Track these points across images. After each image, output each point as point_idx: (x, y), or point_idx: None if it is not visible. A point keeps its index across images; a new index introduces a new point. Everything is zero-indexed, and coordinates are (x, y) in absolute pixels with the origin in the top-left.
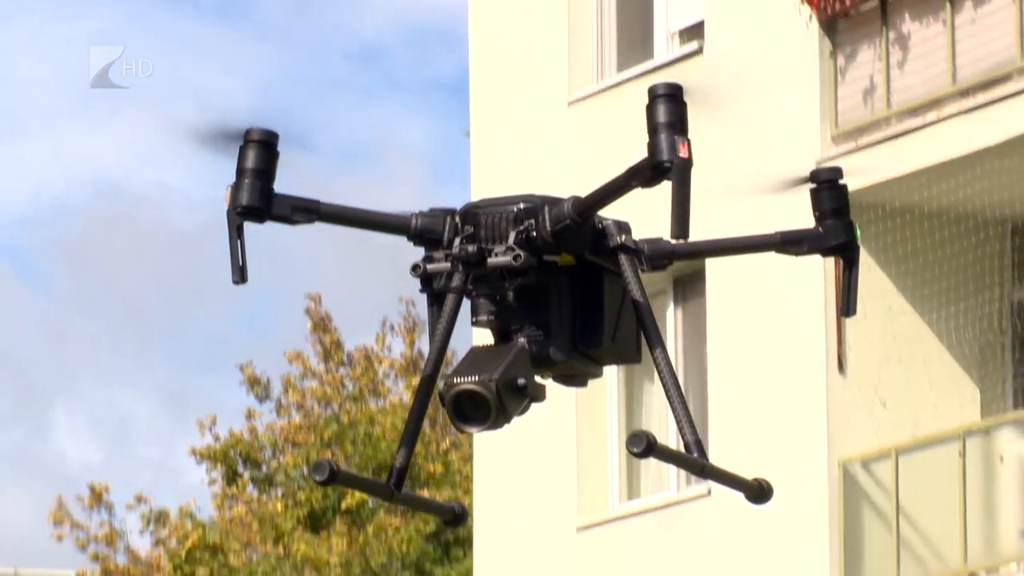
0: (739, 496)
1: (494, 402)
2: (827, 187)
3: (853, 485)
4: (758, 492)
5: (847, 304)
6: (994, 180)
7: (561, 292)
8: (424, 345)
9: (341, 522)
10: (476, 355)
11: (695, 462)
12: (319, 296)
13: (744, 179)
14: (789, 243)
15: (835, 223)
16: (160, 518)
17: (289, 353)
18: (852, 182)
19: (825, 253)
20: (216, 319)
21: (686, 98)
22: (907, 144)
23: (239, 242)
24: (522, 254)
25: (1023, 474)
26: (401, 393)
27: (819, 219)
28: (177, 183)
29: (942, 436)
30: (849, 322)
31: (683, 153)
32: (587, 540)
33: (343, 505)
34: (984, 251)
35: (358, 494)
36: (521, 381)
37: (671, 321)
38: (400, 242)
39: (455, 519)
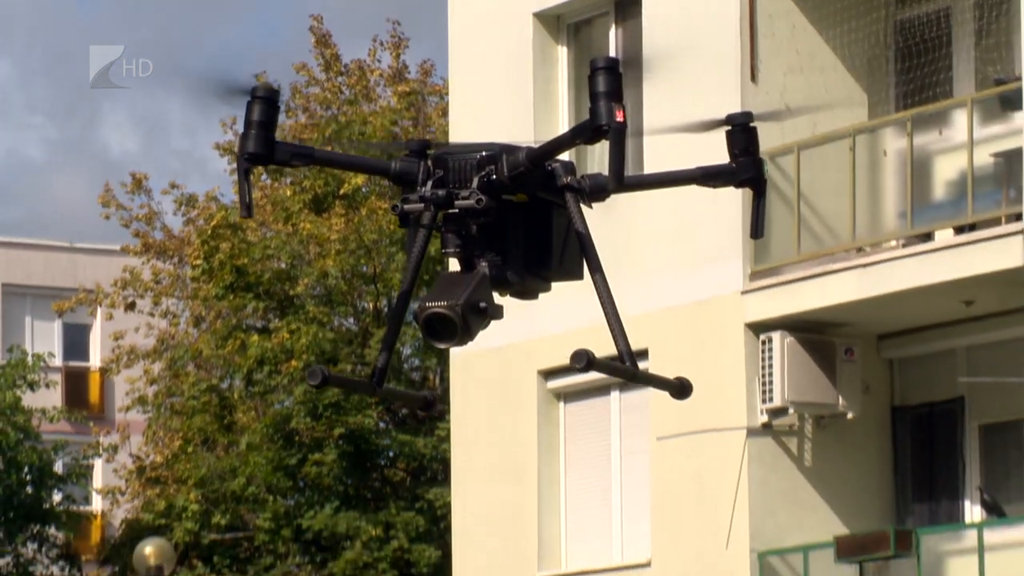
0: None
1: (459, 323)
2: (740, 129)
3: None
4: (680, 389)
5: (756, 227)
6: None
7: (516, 224)
8: (407, 58)
9: (340, 205)
10: (445, 282)
11: (628, 370)
12: (321, 17)
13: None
14: (708, 177)
15: (746, 160)
16: (190, 201)
17: (296, 64)
18: None
19: (738, 185)
20: (235, 37)
21: (622, 69)
22: None
23: (247, 184)
24: (484, 198)
25: (902, 166)
26: (388, 99)
27: (733, 156)
28: None
29: (836, 134)
30: (760, 38)
31: (619, 118)
32: None
33: (342, 191)
34: None
35: (355, 180)
36: (482, 304)
37: (612, 40)
38: None
39: (427, 406)
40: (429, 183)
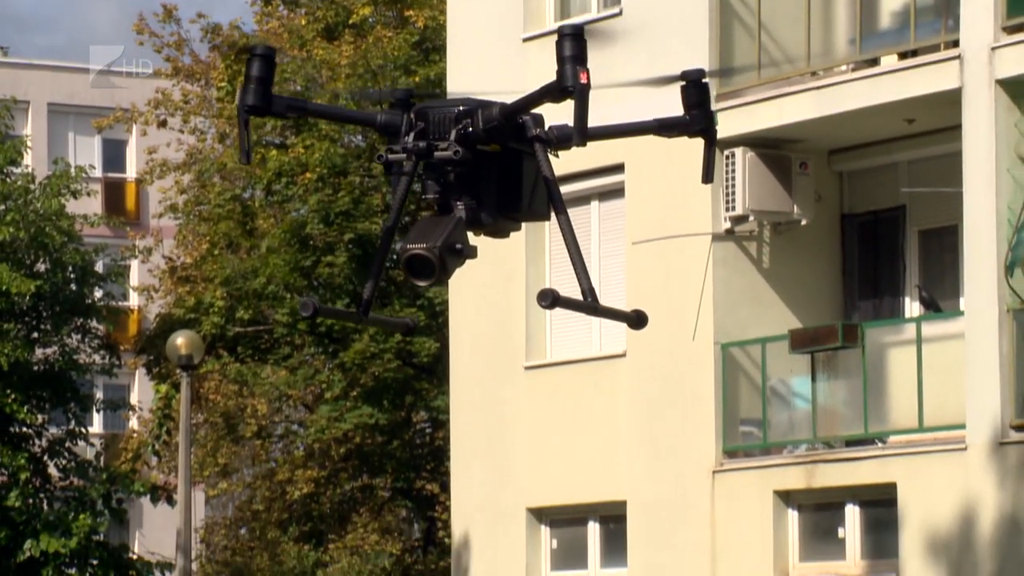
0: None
1: (437, 263)
2: (693, 85)
3: (728, 7)
4: (636, 320)
5: (707, 173)
6: None
7: (490, 171)
8: None
9: (349, 33)
10: (424, 224)
11: (589, 305)
12: None
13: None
14: (664, 127)
15: (699, 112)
16: (215, 30)
17: None
18: None
19: (691, 135)
20: None
21: (587, 36)
22: None
23: (246, 132)
24: (460, 150)
25: None
26: None
27: (687, 109)
28: None
29: None
30: None
31: (583, 79)
32: None
33: (351, 20)
34: None
35: (363, 11)
36: (459, 246)
37: None
38: None
39: (408, 331)
40: (411, 134)
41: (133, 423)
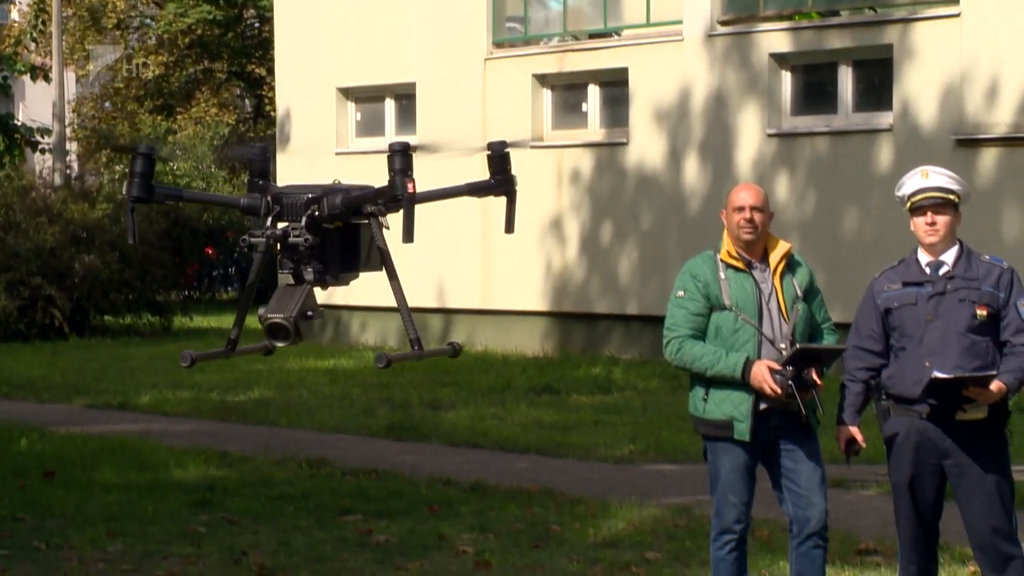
0: None
1: (292, 329)
2: (497, 156)
3: None
4: (453, 352)
5: (509, 225)
6: None
7: (333, 242)
8: None
9: None
10: (281, 294)
11: (415, 353)
12: None
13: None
14: (474, 190)
15: (502, 177)
16: None
17: None
18: None
19: (497, 195)
20: None
21: (412, 152)
22: None
23: (132, 218)
24: (310, 237)
25: None
26: None
27: (492, 174)
28: None
29: None
30: None
31: (410, 189)
32: None
33: None
34: None
35: None
36: (309, 313)
37: None
38: None
39: (268, 353)
40: (270, 217)
41: (14, 15)
